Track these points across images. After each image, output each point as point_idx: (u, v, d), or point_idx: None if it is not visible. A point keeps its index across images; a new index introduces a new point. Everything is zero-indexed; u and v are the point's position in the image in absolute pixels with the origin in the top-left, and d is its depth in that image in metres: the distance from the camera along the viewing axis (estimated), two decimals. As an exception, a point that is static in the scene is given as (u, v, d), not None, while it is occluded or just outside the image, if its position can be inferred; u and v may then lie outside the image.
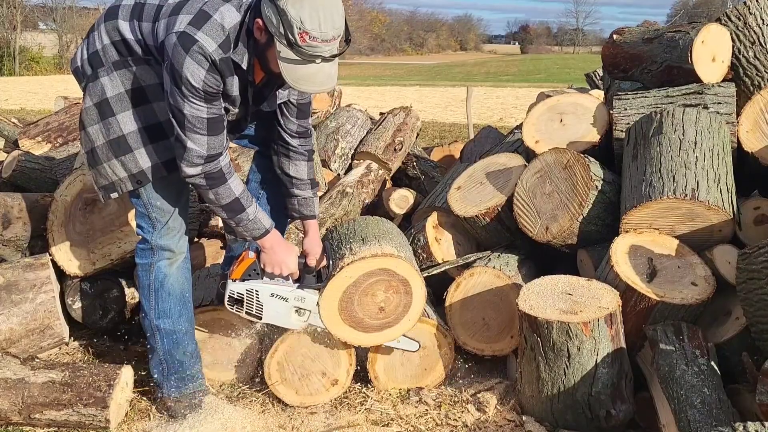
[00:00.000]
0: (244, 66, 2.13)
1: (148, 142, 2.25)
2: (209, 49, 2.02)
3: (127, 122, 2.22)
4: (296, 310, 2.43)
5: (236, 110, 2.26)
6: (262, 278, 2.41)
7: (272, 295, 2.40)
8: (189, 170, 2.14)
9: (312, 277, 2.46)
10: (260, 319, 2.43)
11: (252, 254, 2.41)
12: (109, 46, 2.21)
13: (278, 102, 2.42)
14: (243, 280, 2.39)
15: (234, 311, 2.42)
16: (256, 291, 2.39)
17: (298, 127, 2.49)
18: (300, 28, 1.93)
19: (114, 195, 2.32)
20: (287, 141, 2.49)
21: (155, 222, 2.38)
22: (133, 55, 2.20)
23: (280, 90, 2.39)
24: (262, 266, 2.40)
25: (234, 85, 2.16)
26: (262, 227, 2.30)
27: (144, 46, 2.18)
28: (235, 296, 2.39)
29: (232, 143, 2.65)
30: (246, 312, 2.42)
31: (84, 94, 2.28)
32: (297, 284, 2.44)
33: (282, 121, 2.47)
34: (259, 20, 2.02)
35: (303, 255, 2.48)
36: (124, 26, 2.19)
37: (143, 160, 2.26)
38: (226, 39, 2.06)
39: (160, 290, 2.41)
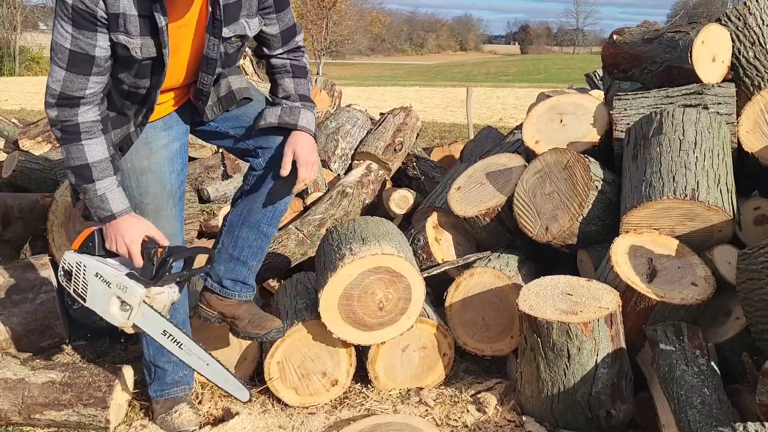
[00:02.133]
0: None
1: (109, 129, 2.02)
2: None
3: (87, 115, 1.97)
4: (121, 302, 2.00)
5: (137, 40, 1.85)
6: (99, 254, 2.03)
7: (97, 275, 2.00)
8: (48, 111, 1.89)
9: (150, 266, 1.98)
10: (84, 301, 2.05)
11: (95, 227, 2.06)
12: None
13: (248, 32, 2.08)
14: (81, 252, 2.04)
15: (64, 284, 2.09)
16: (84, 266, 2.01)
17: (286, 51, 2.24)
18: None
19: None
20: (274, 65, 2.24)
21: None
22: None
23: (246, 18, 2.04)
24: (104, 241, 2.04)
25: (127, 3, 1.80)
26: (108, 210, 1.95)
27: None
28: (66, 267, 2.05)
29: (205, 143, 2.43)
30: (73, 289, 2.06)
31: None
32: (130, 271, 2.01)
33: (269, 54, 2.22)
34: None
35: (153, 242, 2.01)
36: None
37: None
38: None
39: None
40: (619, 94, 3.15)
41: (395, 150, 4.48)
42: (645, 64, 3.21)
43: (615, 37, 3.44)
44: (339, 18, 54.60)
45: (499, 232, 3.06)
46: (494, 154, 3.49)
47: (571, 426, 2.33)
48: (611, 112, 3.11)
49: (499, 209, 2.98)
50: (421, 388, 2.67)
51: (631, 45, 3.31)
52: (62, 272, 2.07)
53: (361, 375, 2.70)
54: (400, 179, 4.62)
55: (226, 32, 2.00)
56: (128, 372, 2.50)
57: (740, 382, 2.30)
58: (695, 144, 2.65)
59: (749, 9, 3.02)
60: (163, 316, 2.05)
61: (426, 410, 2.52)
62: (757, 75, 3.00)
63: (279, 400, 2.58)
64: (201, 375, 2.24)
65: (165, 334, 2.09)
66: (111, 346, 3.07)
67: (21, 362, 2.49)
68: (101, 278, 1.99)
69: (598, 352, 2.25)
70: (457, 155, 4.82)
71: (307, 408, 2.57)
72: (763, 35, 2.99)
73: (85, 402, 2.34)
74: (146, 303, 1.99)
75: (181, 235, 2.29)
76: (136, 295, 1.96)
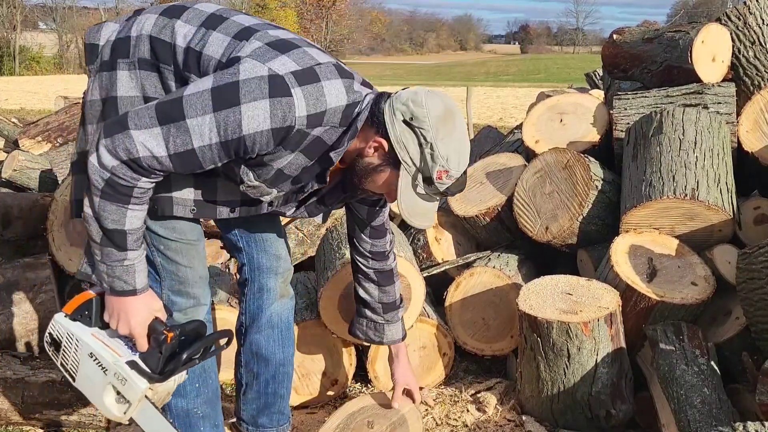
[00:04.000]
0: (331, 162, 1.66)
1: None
2: (298, 113, 1.53)
3: None
4: (117, 393, 1.64)
5: (258, 185, 1.67)
6: (96, 326, 1.68)
7: (91, 356, 1.65)
8: (103, 157, 1.51)
9: (156, 353, 1.64)
10: (73, 380, 1.69)
11: (94, 291, 1.70)
12: (145, 38, 1.69)
13: (332, 209, 1.95)
14: (74, 320, 1.69)
15: (50, 354, 1.73)
16: (77, 341, 1.66)
17: (371, 246, 2.08)
18: (443, 167, 1.61)
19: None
20: (357, 258, 2.13)
21: (160, 270, 1.85)
22: (168, 64, 1.67)
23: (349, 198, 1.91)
24: (103, 310, 1.69)
25: (286, 162, 1.63)
26: (131, 284, 1.62)
27: (191, 59, 1.65)
28: (55, 335, 1.70)
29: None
30: (61, 363, 1.71)
31: (92, 80, 1.78)
32: (136, 354, 1.65)
33: (355, 236, 2.09)
34: (382, 140, 1.62)
35: (161, 323, 1.66)
36: (184, 29, 1.68)
37: None
38: (319, 114, 1.57)
39: None
40: (619, 93, 3.14)
41: (395, 150, 4.47)
42: (645, 63, 3.21)
43: (615, 36, 3.44)
44: (339, 17, 54.64)
45: (499, 232, 3.06)
46: (494, 153, 3.49)
47: (571, 426, 2.33)
48: (611, 111, 3.11)
49: (499, 209, 2.98)
50: (421, 388, 2.67)
51: (631, 45, 3.31)
52: (48, 339, 1.71)
53: (361, 375, 2.70)
54: (400, 179, 4.62)
55: (333, 204, 1.90)
56: (128, 372, 2.51)
57: (740, 381, 2.30)
58: (695, 144, 2.65)
59: (749, 8, 3.02)
60: (162, 414, 1.72)
61: (426, 410, 2.52)
62: (757, 74, 3.00)
63: (279, 400, 2.57)
64: None
65: None
66: (111, 345, 3.07)
67: (21, 362, 2.49)
68: (96, 362, 1.64)
69: (598, 351, 2.25)
70: (457, 155, 4.82)
71: (307, 408, 2.57)
72: (763, 35, 2.99)
73: (85, 402, 2.34)
74: (147, 398, 1.65)
75: (207, 278, 2.00)
76: (137, 391, 1.61)
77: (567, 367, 2.26)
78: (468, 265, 2.94)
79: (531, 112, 3.31)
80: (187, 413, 1.95)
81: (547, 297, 2.36)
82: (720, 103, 2.89)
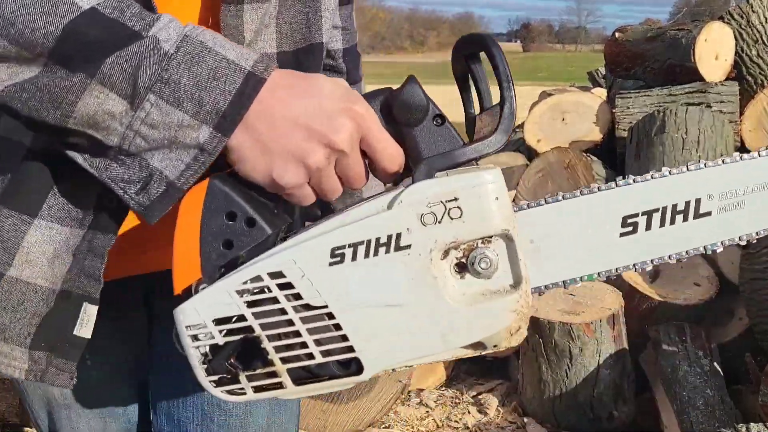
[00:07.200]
0: None
1: None
2: None
3: None
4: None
5: None
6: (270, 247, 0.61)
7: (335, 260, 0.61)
8: None
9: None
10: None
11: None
12: None
13: None
14: (218, 277, 0.60)
15: (211, 385, 0.62)
16: (289, 271, 0.59)
17: (343, 21, 1.05)
18: None
19: None
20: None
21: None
22: None
23: None
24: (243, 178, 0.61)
25: None
26: (233, 63, 0.59)
27: None
28: (202, 334, 0.61)
29: None
30: (251, 384, 0.62)
31: None
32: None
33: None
34: None
35: None
36: None
37: None
38: None
39: None
40: (622, 92, 3.14)
41: (396, 149, 4.47)
42: (647, 62, 3.20)
43: (617, 35, 3.44)
44: (340, 16, 54.52)
45: (500, 232, 3.05)
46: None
47: (573, 427, 2.32)
48: (614, 110, 3.10)
49: (501, 208, 2.97)
50: (422, 389, 2.66)
51: (634, 43, 3.30)
52: (197, 339, 0.61)
53: (362, 375, 2.69)
54: (401, 178, 4.62)
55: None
56: (127, 373, 2.50)
57: (743, 382, 2.29)
58: (698, 143, 2.64)
59: (752, 7, 3.01)
60: None
61: (427, 411, 2.51)
62: (760, 73, 2.99)
63: (279, 401, 2.56)
64: None
65: None
66: (110, 346, 3.06)
67: (20, 363, 2.48)
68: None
69: (601, 352, 2.24)
70: (458, 154, 4.82)
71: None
72: (766, 33, 2.98)
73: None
74: None
75: None
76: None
77: (569, 368, 2.25)
78: (469, 265, 2.93)
79: (533, 111, 3.30)
80: None
81: (549, 297, 2.35)
82: (723, 102, 2.88)
